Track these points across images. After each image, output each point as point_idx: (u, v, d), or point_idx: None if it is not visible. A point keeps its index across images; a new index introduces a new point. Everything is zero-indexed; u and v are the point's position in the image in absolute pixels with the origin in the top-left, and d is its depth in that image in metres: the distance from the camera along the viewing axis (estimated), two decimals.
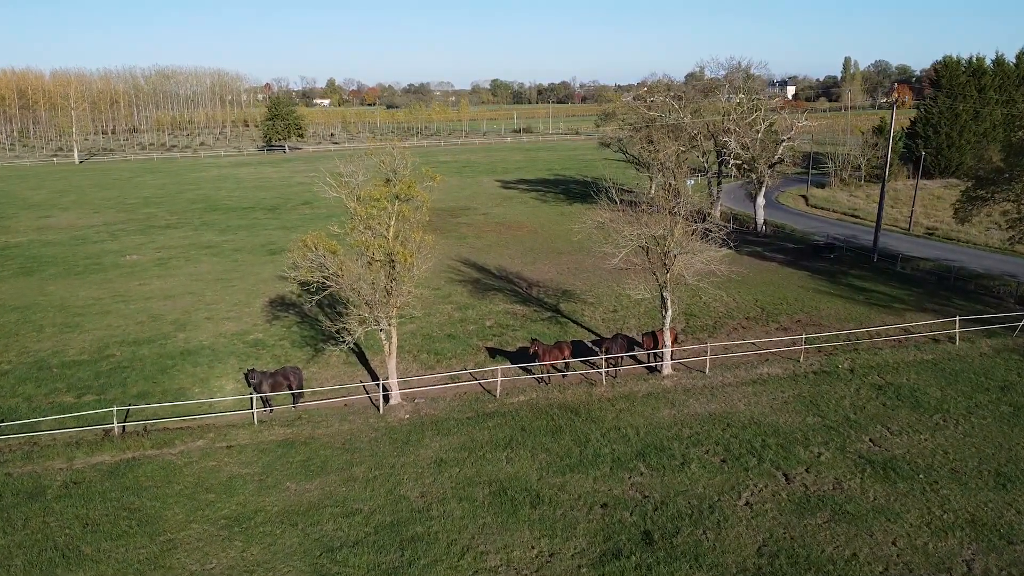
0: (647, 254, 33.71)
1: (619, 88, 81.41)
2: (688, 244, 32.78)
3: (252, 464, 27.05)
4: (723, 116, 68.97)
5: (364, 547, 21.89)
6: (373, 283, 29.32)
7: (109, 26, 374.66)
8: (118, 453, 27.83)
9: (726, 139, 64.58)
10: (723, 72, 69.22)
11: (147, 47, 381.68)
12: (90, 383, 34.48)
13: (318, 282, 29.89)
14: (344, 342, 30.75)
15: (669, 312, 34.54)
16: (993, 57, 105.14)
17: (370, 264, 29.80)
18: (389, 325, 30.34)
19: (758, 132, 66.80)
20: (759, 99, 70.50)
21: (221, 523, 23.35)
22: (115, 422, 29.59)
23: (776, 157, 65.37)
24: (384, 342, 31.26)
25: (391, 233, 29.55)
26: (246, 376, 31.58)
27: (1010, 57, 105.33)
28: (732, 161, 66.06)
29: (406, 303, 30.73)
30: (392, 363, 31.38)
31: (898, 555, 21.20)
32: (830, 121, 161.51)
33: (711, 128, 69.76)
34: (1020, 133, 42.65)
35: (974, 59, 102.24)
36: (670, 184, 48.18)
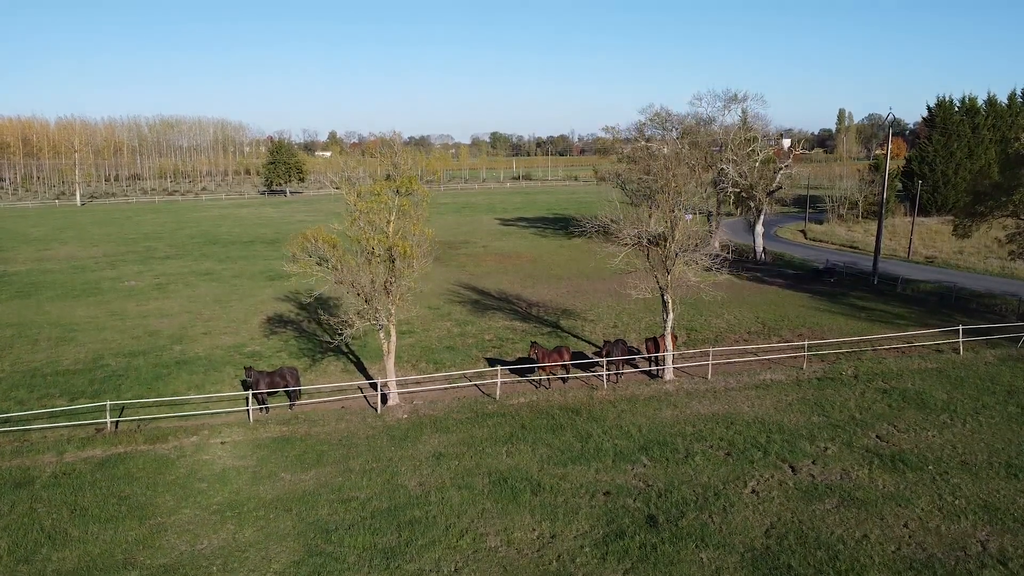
0: (648, 256, 33.55)
1: (613, 131, 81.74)
2: (688, 243, 32.64)
3: (247, 458, 26.46)
4: (721, 146, 69.54)
5: (360, 529, 21.24)
6: (373, 278, 29.08)
7: (115, 75, 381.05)
8: (109, 448, 27.24)
9: (724, 167, 64.96)
10: (720, 103, 69.80)
11: (151, 96, 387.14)
12: (84, 388, 33.95)
13: (318, 275, 29.63)
14: (343, 335, 30.32)
15: (670, 316, 34.25)
16: (985, 97, 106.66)
17: (369, 261, 29.61)
18: (388, 322, 30.01)
19: (756, 161, 67.30)
20: (755, 132, 71.16)
21: (213, 508, 22.72)
22: (108, 417, 29.03)
23: (774, 184, 65.68)
24: (383, 341, 30.90)
25: (391, 228, 29.42)
26: (243, 381, 31.13)
27: (1002, 97, 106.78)
28: (731, 189, 66.36)
29: (404, 297, 30.36)
30: (390, 363, 30.96)
31: (910, 536, 20.58)
32: (827, 168, 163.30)
33: (708, 159, 70.24)
34: (1016, 145, 42.95)
35: (967, 99, 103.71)
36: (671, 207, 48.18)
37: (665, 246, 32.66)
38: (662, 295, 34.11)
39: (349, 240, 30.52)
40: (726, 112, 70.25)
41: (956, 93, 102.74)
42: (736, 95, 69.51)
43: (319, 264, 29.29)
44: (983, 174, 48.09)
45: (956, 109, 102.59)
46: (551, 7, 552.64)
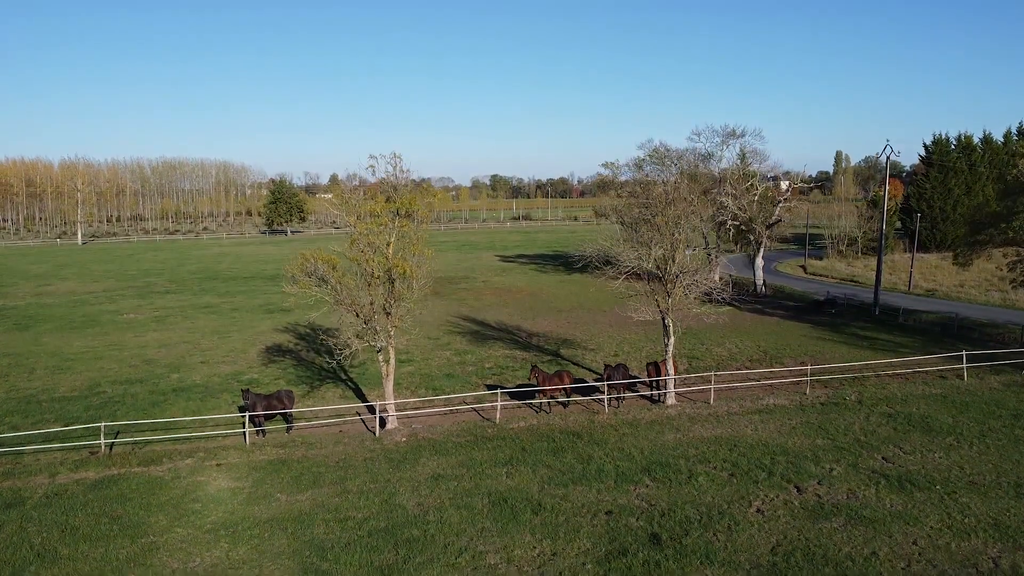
0: (648, 280, 33.44)
1: (613, 167, 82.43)
2: (689, 265, 32.55)
3: (242, 479, 26.00)
4: (720, 180, 69.85)
5: (357, 548, 20.75)
6: (372, 300, 28.92)
7: (118, 117, 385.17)
8: (103, 470, 26.80)
9: (723, 199, 65.21)
10: (718, 139, 70.27)
11: (153, 138, 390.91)
12: (79, 415, 33.53)
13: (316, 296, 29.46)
14: (341, 355, 30.05)
15: (671, 339, 34.01)
16: (981, 135, 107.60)
17: (369, 283, 29.48)
18: (387, 344, 29.78)
19: (755, 195, 67.59)
20: (754, 172, 71.50)
21: (207, 528, 22.23)
22: (102, 439, 28.63)
23: (773, 218, 65.88)
24: (381, 364, 30.62)
25: (391, 250, 29.35)
26: (241, 406, 30.76)
27: (998, 135, 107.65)
28: (730, 222, 66.53)
29: (404, 319, 30.15)
30: (389, 386, 30.64)
31: (920, 553, 20.09)
32: (825, 208, 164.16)
33: (708, 193, 70.51)
34: (1014, 172, 43.15)
35: (963, 137, 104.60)
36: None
37: (666, 269, 32.56)
38: (663, 319, 33.92)
39: (349, 262, 30.43)
40: (724, 148, 70.70)
41: (952, 132, 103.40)
42: (734, 131, 70.04)
43: (319, 285, 29.12)
44: (982, 206, 48.15)
45: (953, 147, 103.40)
46: (551, 49, 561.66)
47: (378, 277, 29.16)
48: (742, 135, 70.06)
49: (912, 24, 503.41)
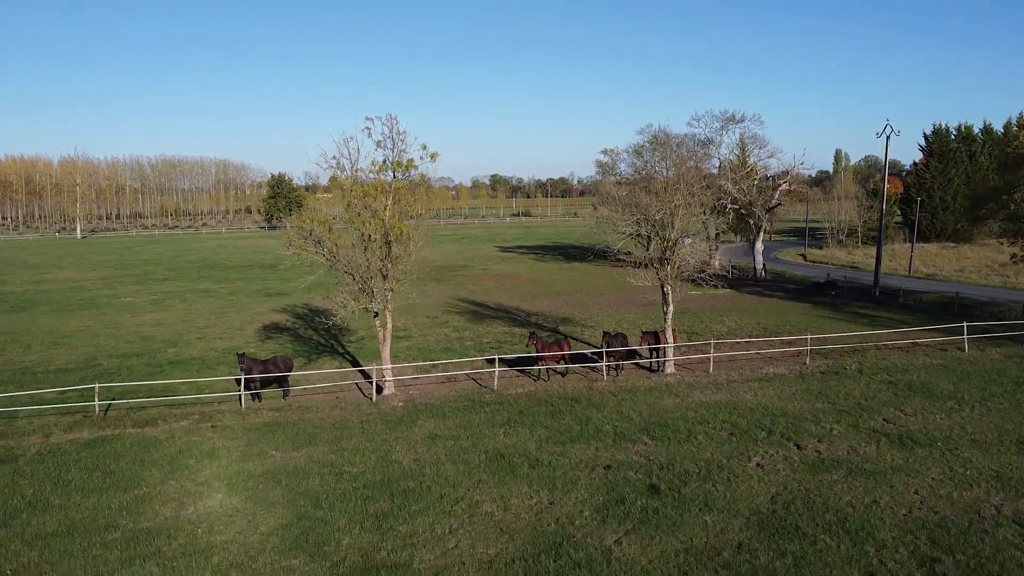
0: (648, 245, 33.23)
1: (612, 153, 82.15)
2: (689, 226, 32.33)
3: (237, 439, 25.75)
4: (719, 166, 69.70)
5: (352, 498, 20.51)
6: (369, 262, 28.68)
7: (117, 113, 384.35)
8: (97, 431, 26.57)
9: (723, 183, 65.00)
10: (718, 124, 70.07)
11: (153, 138, 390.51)
12: (75, 384, 33.26)
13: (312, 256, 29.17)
14: (337, 317, 29.80)
15: (671, 308, 33.80)
16: (981, 126, 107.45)
17: (366, 248, 29.22)
18: (384, 308, 29.54)
19: (755, 180, 67.39)
20: (756, 166, 71.26)
21: (200, 480, 22.00)
22: (96, 399, 28.40)
23: (773, 201, 65.66)
24: (378, 329, 30.38)
25: (387, 213, 29.10)
26: (237, 377, 30.48)
27: (998, 126, 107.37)
28: (730, 206, 66.31)
29: (401, 280, 29.87)
30: (386, 351, 30.40)
31: (921, 502, 19.85)
32: (825, 205, 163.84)
33: (707, 179, 70.28)
34: (1015, 143, 42.88)
35: (963, 127, 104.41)
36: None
37: (665, 235, 32.36)
38: (662, 287, 33.70)
39: (345, 224, 30.16)
40: (724, 133, 70.50)
41: (952, 123, 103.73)
42: (734, 115, 69.86)
43: (315, 246, 28.86)
44: (983, 180, 47.94)
45: (953, 137, 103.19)
46: (552, 50, 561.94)
47: (375, 240, 28.90)
48: (741, 120, 69.91)
49: (912, 23, 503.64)
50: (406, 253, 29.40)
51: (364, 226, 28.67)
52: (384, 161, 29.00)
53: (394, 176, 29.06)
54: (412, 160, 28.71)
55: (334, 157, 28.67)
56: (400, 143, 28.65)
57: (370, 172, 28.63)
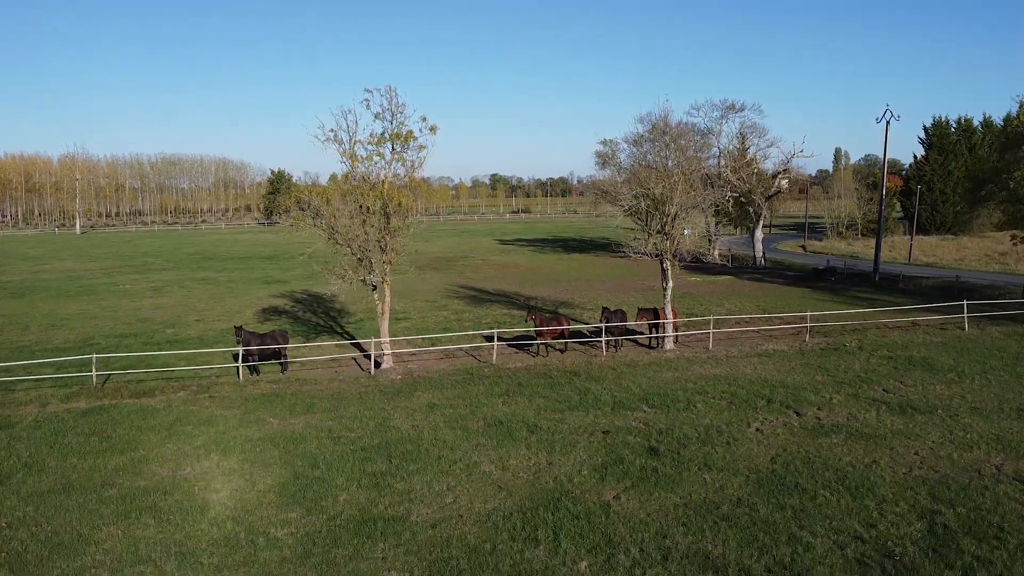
0: (647, 220, 33.15)
1: (611, 144, 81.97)
2: (690, 201, 32.26)
3: (235, 408, 25.67)
4: (719, 156, 69.60)
5: (350, 459, 20.43)
6: (367, 233, 28.59)
7: (117, 112, 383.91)
8: (94, 400, 26.50)
9: (723, 171, 64.93)
10: (718, 113, 69.97)
11: (153, 134, 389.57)
12: (72, 361, 33.19)
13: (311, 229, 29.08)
14: (335, 287, 29.69)
15: (670, 284, 33.72)
16: (980, 119, 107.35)
17: (364, 220, 29.12)
18: (383, 280, 29.45)
19: (755, 169, 67.35)
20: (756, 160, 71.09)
21: (197, 444, 21.92)
22: (94, 370, 28.32)
23: (773, 189, 65.61)
24: (377, 303, 30.30)
25: (386, 184, 29.02)
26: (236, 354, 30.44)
27: (998, 119, 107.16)
28: (730, 194, 66.18)
29: (400, 253, 29.77)
30: (385, 324, 30.32)
31: (922, 461, 19.77)
32: (825, 203, 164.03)
33: (707, 170, 70.20)
34: (1015, 122, 42.84)
35: (962, 120, 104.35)
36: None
37: (664, 209, 32.28)
38: (661, 262, 33.63)
39: (344, 194, 30.04)
40: (724, 122, 70.40)
41: (952, 116, 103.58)
42: (733, 104, 69.77)
43: (313, 219, 28.77)
44: (982, 161, 47.87)
45: (953, 129, 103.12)
46: (552, 50, 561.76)
47: (373, 212, 28.81)
48: (741, 109, 69.81)
49: (911, 22, 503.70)
50: (404, 226, 29.28)
51: (363, 198, 28.57)
52: (383, 133, 28.87)
53: (393, 148, 28.93)
54: (411, 132, 28.58)
55: (332, 129, 28.40)
56: (399, 115, 28.51)
57: (368, 144, 28.40)
